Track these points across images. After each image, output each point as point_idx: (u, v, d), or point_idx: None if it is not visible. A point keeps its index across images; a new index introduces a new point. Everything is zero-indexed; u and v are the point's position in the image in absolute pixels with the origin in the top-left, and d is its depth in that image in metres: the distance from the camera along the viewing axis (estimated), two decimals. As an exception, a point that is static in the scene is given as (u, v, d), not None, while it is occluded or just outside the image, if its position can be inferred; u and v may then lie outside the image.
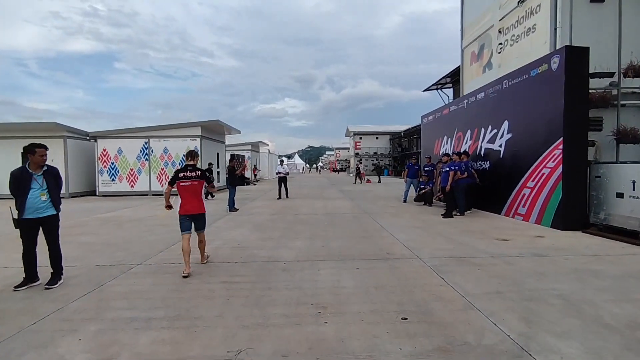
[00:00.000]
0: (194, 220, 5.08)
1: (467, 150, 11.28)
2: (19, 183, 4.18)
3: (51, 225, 4.40)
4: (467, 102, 12.04)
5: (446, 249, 5.89)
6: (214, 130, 20.61)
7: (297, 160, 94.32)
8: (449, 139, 13.35)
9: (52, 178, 4.44)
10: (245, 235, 7.37)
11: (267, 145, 38.49)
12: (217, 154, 21.38)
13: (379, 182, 27.61)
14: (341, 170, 26.27)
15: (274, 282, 4.37)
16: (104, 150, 18.21)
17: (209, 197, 16.64)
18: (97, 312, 3.53)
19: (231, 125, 21.32)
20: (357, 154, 50.58)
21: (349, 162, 60.76)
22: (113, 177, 18.25)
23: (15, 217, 4.20)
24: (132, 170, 18.28)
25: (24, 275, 4.34)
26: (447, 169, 9.46)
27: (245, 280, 4.44)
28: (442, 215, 9.56)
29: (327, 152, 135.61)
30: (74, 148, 17.99)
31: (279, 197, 15.01)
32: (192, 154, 5.22)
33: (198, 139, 18.26)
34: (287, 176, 16.04)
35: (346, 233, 7.45)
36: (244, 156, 31.01)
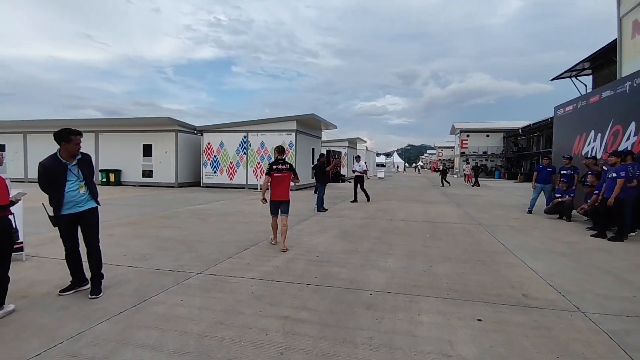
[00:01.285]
0: (280, 205, 5.93)
1: (629, 149, 8.26)
2: (53, 176, 3.59)
3: (91, 220, 3.79)
4: (632, 84, 8.89)
5: (624, 298, 3.79)
6: (309, 125, 20.15)
7: (396, 158, 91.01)
8: (599, 135, 10.18)
9: (87, 167, 3.83)
10: (329, 244, 6.19)
11: (365, 142, 37.21)
12: (313, 149, 20.90)
13: (474, 184, 24.01)
14: (443, 171, 23.59)
15: (352, 328, 3.04)
16: (209, 143, 19.15)
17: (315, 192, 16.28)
18: (113, 348, 2.66)
19: (327, 120, 20.61)
20: (464, 153, 45.86)
21: (452, 162, 55.82)
22: (215, 169, 19.09)
23: (51, 214, 3.66)
24: (231, 163, 18.87)
25: (71, 279, 3.82)
26: (615, 174, 6.83)
27: (312, 319, 3.20)
28: (592, 235, 7.04)
29: (429, 151, 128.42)
30: (184, 141, 19.30)
31: (354, 200, 12.70)
32: (280, 150, 6.17)
33: (293, 134, 17.93)
34: (366, 175, 13.37)
35: (455, 252, 5.71)
36: (340, 152, 30.33)
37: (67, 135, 3.61)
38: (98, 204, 3.90)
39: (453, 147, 73.64)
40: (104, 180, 19.33)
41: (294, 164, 17.88)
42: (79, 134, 3.71)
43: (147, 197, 13.65)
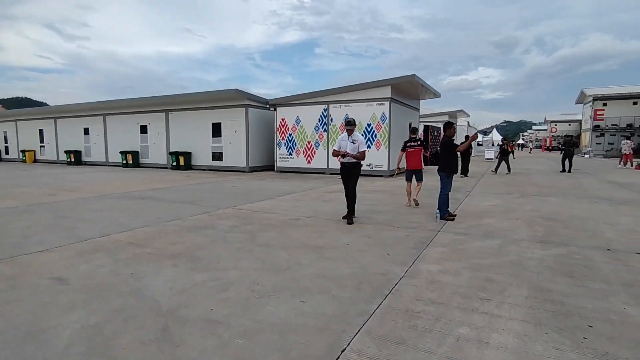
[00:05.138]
0: (414, 173, 7.38)
1: None
2: None
3: None
4: None
5: None
6: (406, 93, 15.63)
7: (496, 135, 79.48)
8: None
9: None
10: (528, 343, 2.14)
11: (468, 115, 30.99)
12: (410, 123, 16.38)
13: (566, 170, 15.73)
14: (567, 148, 16.23)
15: None
16: (283, 119, 15.93)
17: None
18: None
19: (428, 85, 15.80)
20: (598, 126, 36.17)
21: (571, 137, 45.23)
22: (290, 150, 15.87)
23: None
24: (309, 143, 15.41)
25: None
26: None
27: None
28: None
29: (535, 127, 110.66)
30: (255, 118, 16.37)
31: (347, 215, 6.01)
32: (414, 130, 7.70)
33: (386, 103, 13.66)
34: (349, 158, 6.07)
35: None
36: (439, 128, 25.12)
37: None
38: None
39: (573, 121, 61.02)
40: (174, 164, 17.55)
41: (387, 142, 13.77)
42: None
43: (204, 186, 10.89)
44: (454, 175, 6.38)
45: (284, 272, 3.60)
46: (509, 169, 15.52)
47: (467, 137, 8.51)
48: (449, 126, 6.13)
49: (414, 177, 7.42)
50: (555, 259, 4.03)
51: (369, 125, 13.99)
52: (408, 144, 7.42)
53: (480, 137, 67.52)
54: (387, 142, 13.68)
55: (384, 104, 13.70)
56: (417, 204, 7.36)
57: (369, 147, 13.82)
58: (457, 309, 2.80)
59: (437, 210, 6.01)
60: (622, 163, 19.33)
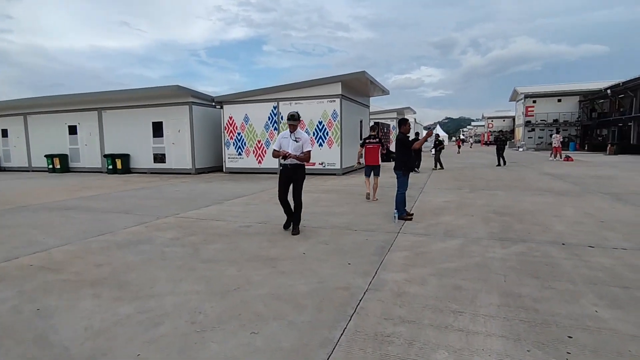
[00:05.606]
0: (373, 169, 7.71)
1: None
2: None
3: None
4: None
5: None
6: (357, 90, 15.52)
7: (439, 131, 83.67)
8: None
9: None
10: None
11: (415, 112, 31.94)
12: (361, 121, 16.32)
13: (501, 164, 16.71)
14: (501, 142, 17.22)
15: None
16: (230, 118, 15.10)
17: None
18: None
19: (378, 82, 15.82)
20: (529, 122, 39.14)
21: (501, 134, 48.69)
22: (240, 150, 15.10)
23: None
24: (259, 142, 14.76)
25: None
26: None
27: None
28: None
29: (474, 123, 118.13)
30: (200, 116, 15.37)
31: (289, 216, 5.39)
32: (373, 128, 8.05)
33: (337, 100, 13.41)
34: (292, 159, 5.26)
35: None
36: (388, 125, 25.60)
37: None
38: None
39: (507, 117, 65.81)
40: (110, 167, 15.99)
41: (339, 140, 13.54)
42: None
43: (144, 191, 9.89)
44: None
45: (232, 295, 3.09)
46: (435, 165, 15.63)
47: (417, 134, 9.02)
48: (404, 123, 5.93)
49: (372, 173, 7.81)
50: (518, 257, 3.93)
51: (320, 122, 13.67)
52: (367, 141, 7.80)
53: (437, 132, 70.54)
54: (339, 140, 13.45)
55: (334, 101, 13.44)
56: (375, 198, 7.81)
57: (320, 145, 13.55)
58: (430, 327, 2.50)
59: (395, 211, 5.80)
60: (552, 155, 20.91)
